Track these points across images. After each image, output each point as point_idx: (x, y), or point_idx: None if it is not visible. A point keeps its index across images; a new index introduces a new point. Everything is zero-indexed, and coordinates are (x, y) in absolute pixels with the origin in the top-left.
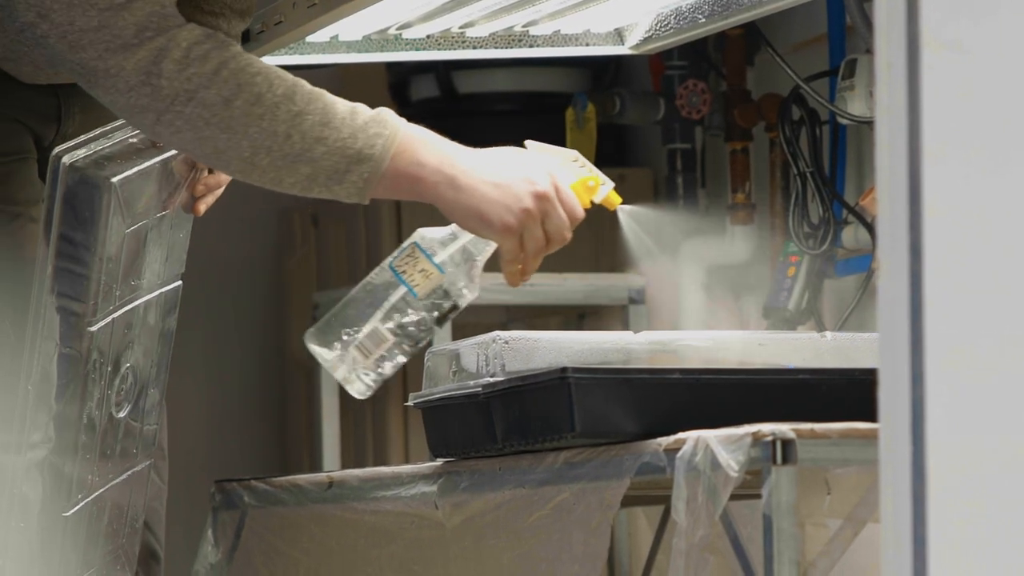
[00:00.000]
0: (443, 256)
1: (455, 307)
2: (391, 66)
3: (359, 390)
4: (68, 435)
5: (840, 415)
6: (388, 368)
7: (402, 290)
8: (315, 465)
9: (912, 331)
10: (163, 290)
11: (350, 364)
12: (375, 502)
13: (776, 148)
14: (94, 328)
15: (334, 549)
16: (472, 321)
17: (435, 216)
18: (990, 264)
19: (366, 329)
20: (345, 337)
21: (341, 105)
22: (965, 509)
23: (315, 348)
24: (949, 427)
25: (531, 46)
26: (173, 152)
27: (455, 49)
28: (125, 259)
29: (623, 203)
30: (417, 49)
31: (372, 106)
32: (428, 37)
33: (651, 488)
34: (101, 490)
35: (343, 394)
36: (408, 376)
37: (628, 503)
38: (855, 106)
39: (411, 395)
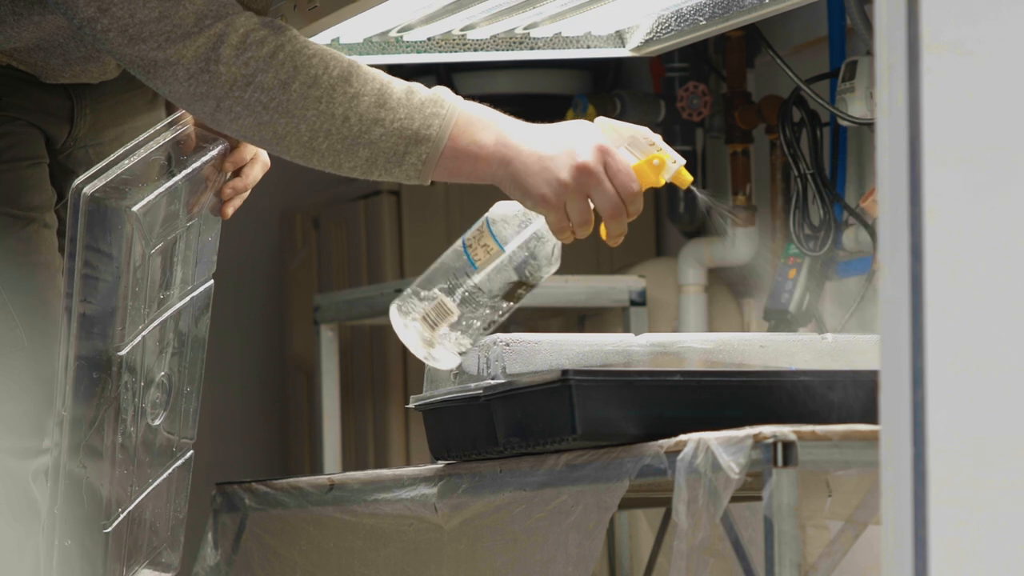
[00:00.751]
0: (508, 232)
1: (524, 283)
2: (392, 68)
3: (434, 360)
4: (104, 462)
5: (841, 417)
6: (462, 340)
7: (475, 269)
8: (316, 467)
9: (913, 333)
10: (193, 294)
11: (416, 335)
12: (375, 504)
13: (777, 150)
14: (123, 352)
15: (332, 552)
16: None
17: (440, 218)
18: (991, 266)
19: (432, 301)
20: (414, 309)
21: (397, 85)
22: (966, 511)
23: (393, 317)
24: (950, 429)
25: (532, 48)
26: (198, 165)
27: (456, 51)
28: (152, 277)
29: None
30: (418, 51)
31: None
32: (429, 39)
33: (652, 490)
34: (140, 497)
35: (344, 396)
36: (409, 378)
37: (629, 505)
38: (855, 108)
39: (412, 397)
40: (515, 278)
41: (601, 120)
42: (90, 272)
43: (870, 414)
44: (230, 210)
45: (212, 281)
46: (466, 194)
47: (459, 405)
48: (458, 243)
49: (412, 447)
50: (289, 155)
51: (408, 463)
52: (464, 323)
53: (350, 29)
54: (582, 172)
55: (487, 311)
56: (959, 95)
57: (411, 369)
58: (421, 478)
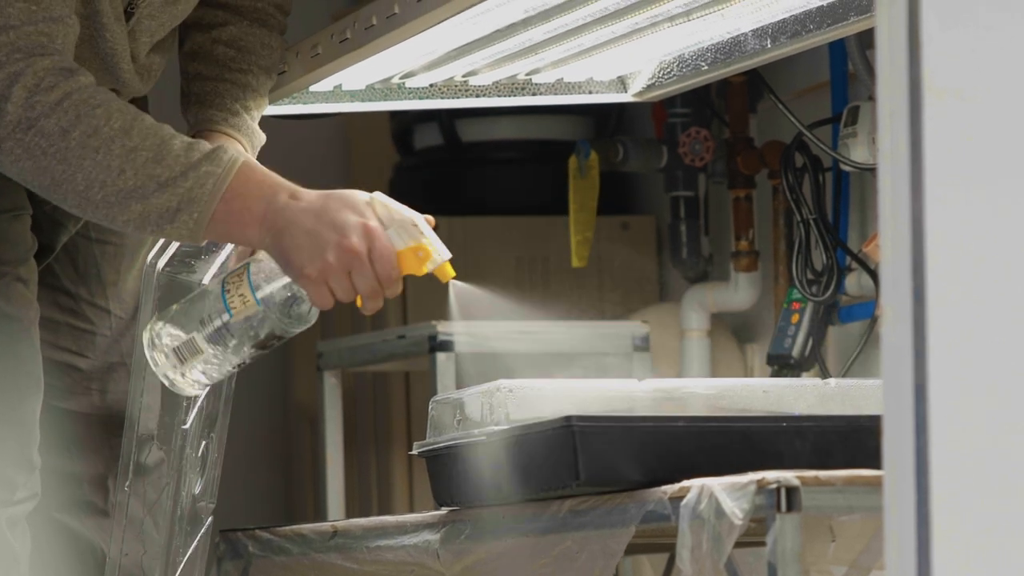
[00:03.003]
0: (266, 290)
1: (275, 336)
2: (394, 115)
3: (178, 388)
4: (163, 536)
5: (844, 462)
6: (211, 374)
7: (227, 313)
8: (320, 514)
9: (916, 378)
10: None
11: (165, 364)
12: (377, 551)
13: (779, 195)
14: (187, 425)
15: None
16: (476, 370)
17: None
18: (994, 310)
19: (186, 336)
20: (167, 339)
21: (179, 141)
22: (970, 557)
23: (145, 344)
24: (953, 474)
25: (534, 94)
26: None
27: (458, 97)
28: None
29: (455, 278)
30: (420, 98)
31: (374, 156)
32: (431, 86)
33: (656, 536)
34: (180, 568)
35: (347, 443)
36: (412, 424)
37: (633, 551)
38: (858, 153)
39: (415, 444)
40: (267, 331)
41: (377, 197)
42: None
43: (873, 459)
44: None
45: None
46: (469, 239)
47: (463, 451)
48: (218, 285)
49: (416, 493)
50: (66, 204)
51: (412, 509)
52: (215, 361)
53: (352, 76)
54: (346, 254)
55: (235, 357)
56: (961, 140)
57: (414, 415)
58: (424, 524)
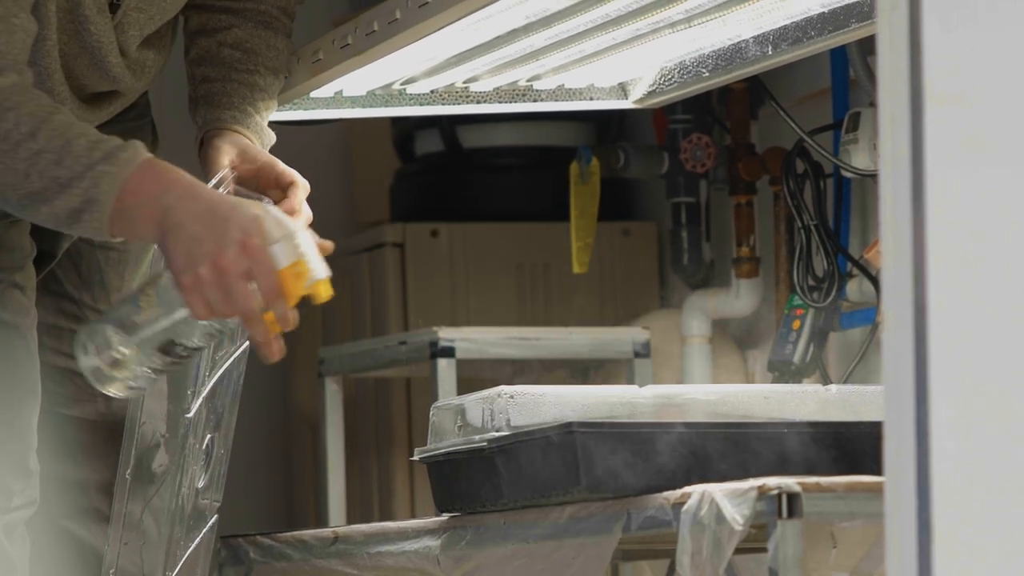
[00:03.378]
0: (173, 297)
1: (178, 344)
2: (395, 121)
3: (104, 388)
4: (162, 525)
5: (846, 468)
6: (138, 381)
7: (138, 312)
8: (321, 520)
9: (917, 384)
10: (237, 353)
11: (90, 366)
12: (378, 557)
13: (780, 201)
14: (190, 414)
15: None
16: (477, 375)
17: (444, 270)
18: (995, 317)
19: (110, 341)
20: (94, 343)
21: (84, 140)
22: (971, 563)
23: (76, 346)
24: (954, 480)
25: (535, 100)
26: None
27: (459, 104)
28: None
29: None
30: (421, 104)
31: (376, 162)
32: (432, 92)
33: (656, 542)
34: (179, 566)
35: (349, 449)
36: (414, 430)
37: (633, 557)
38: (859, 159)
39: (416, 450)
40: (169, 337)
41: (269, 208)
42: None
43: (875, 465)
44: None
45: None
46: (469, 245)
47: (464, 457)
48: (140, 284)
49: (417, 499)
50: None
51: (413, 515)
52: (131, 364)
53: (353, 82)
54: (218, 270)
55: (147, 360)
56: (962, 146)
57: (416, 421)
58: (425, 530)
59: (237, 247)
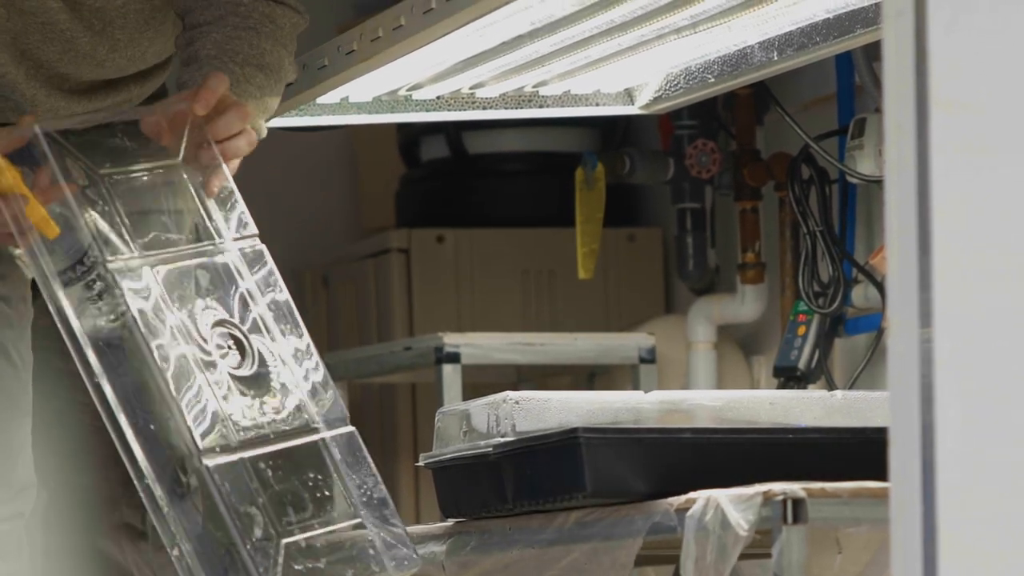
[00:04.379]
0: None
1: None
2: (401, 127)
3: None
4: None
5: (851, 474)
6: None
7: None
8: None
9: (922, 389)
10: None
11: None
12: None
13: (786, 207)
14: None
15: None
16: (483, 381)
17: (449, 276)
18: (1001, 322)
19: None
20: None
21: None
22: (977, 569)
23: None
24: (960, 486)
25: (541, 106)
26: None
27: (465, 110)
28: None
29: None
30: (427, 110)
31: (381, 168)
32: (438, 98)
33: (661, 547)
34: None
35: None
36: (419, 436)
37: (638, 562)
38: (864, 165)
39: (422, 455)
40: None
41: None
42: None
43: (880, 471)
44: (215, 186)
45: (257, 240)
46: (475, 251)
47: (469, 463)
48: None
49: (422, 505)
50: None
51: (418, 521)
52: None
53: (359, 88)
54: None
55: None
56: (968, 152)
57: (421, 427)
58: (430, 536)
59: None
